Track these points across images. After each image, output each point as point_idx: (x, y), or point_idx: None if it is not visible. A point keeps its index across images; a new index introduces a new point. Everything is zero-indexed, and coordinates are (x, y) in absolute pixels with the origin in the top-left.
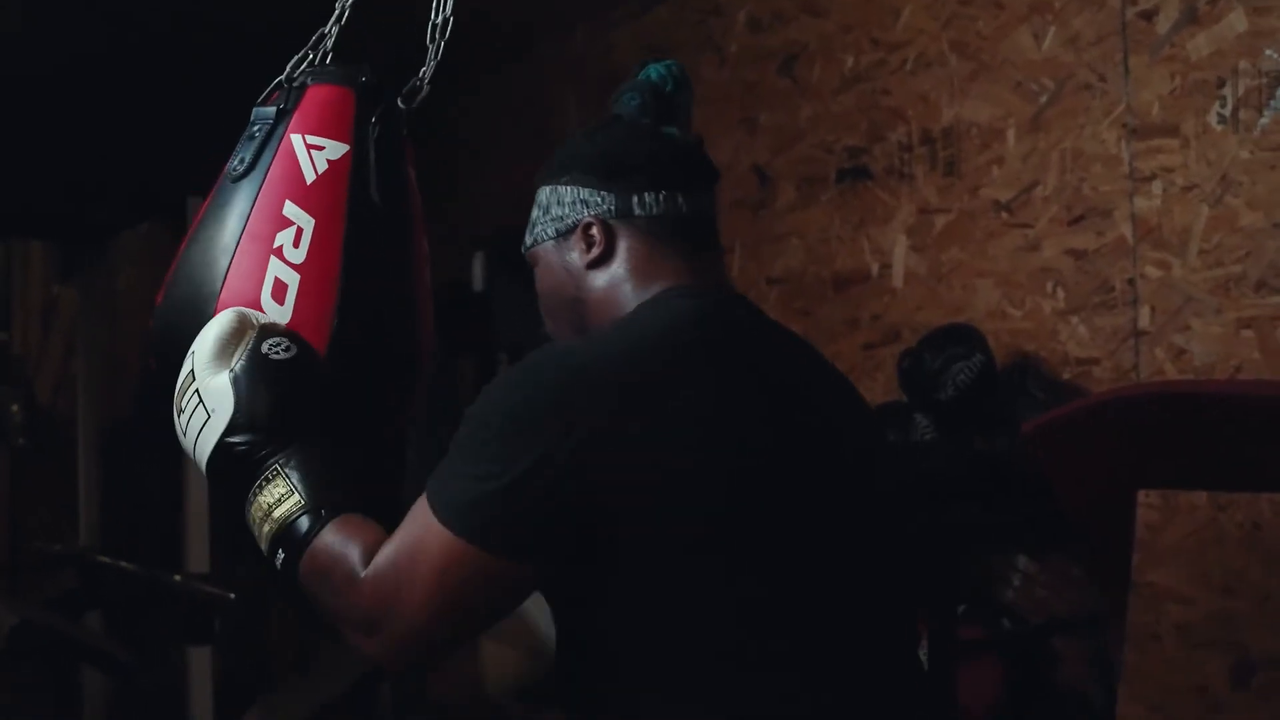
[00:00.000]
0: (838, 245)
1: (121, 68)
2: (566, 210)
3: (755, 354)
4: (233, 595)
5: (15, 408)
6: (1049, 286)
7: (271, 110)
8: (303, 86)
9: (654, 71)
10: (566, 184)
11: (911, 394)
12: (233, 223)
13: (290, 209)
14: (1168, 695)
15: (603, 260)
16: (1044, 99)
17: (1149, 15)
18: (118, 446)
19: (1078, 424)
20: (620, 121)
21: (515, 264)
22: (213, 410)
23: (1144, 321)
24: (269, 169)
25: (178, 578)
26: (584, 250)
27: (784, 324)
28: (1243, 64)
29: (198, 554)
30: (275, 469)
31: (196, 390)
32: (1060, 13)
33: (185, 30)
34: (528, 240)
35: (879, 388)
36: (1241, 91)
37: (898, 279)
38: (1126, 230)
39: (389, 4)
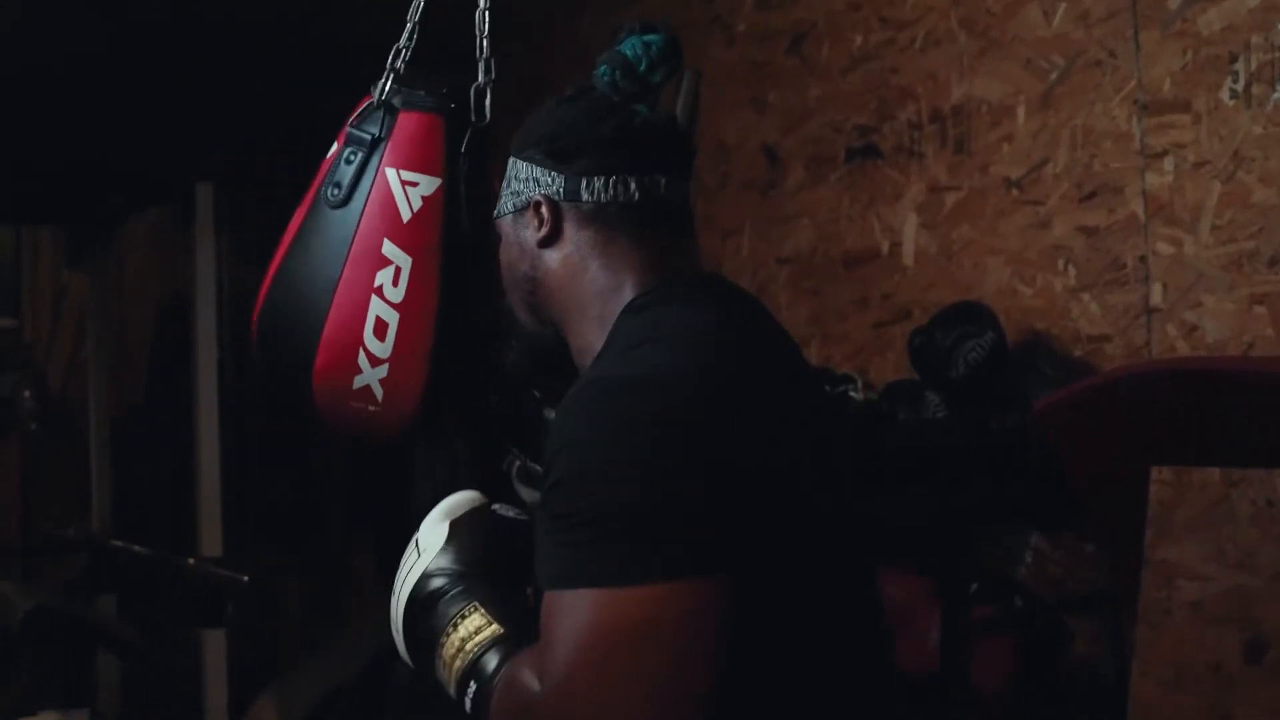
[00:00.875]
0: (847, 224)
1: (130, 55)
2: (522, 186)
3: (759, 344)
4: (245, 579)
5: (27, 394)
6: (1060, 264)
7: (367, 137)
8: (394, 110)
9: (630, 47)
10: (524, 159)
11: (923, 372)
12: (332, 254)
13: (389, 248)
14: (1181, 672)
15: (551, 240)
16: (1054, 76)
17: None
18: (129, 431)
19: (1089, 401)
20: (586, 96)
21: None
22: (423, 549)
23: (1156, 298)
24: (366, 203)
25: (190, 561)
26: (535, 229)
27: (795, 304)
28: (1255, 39)
29: (210, 538)
30: (474, 605)
31: (415, 539)
32: None
33: (193, 17)
34: (495, 210)
35: (890, 366)
36: (1254, 66)
37: (908, 257)
38: (1138, 207)
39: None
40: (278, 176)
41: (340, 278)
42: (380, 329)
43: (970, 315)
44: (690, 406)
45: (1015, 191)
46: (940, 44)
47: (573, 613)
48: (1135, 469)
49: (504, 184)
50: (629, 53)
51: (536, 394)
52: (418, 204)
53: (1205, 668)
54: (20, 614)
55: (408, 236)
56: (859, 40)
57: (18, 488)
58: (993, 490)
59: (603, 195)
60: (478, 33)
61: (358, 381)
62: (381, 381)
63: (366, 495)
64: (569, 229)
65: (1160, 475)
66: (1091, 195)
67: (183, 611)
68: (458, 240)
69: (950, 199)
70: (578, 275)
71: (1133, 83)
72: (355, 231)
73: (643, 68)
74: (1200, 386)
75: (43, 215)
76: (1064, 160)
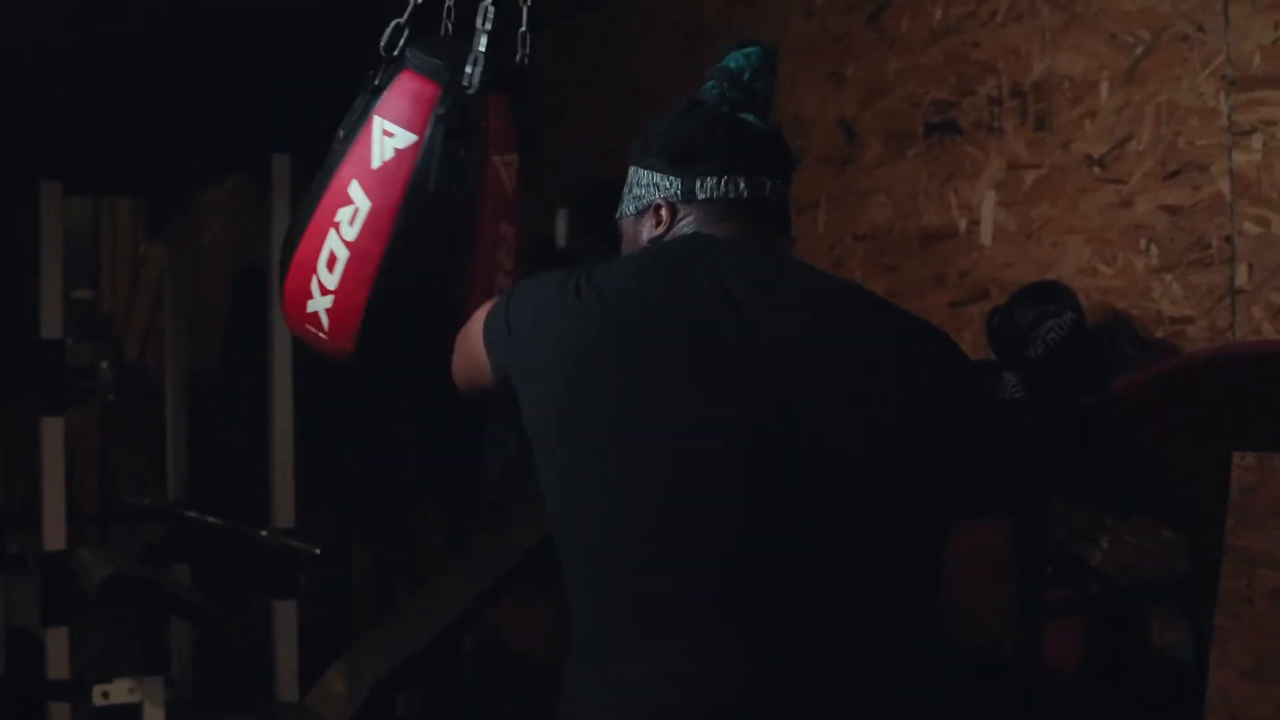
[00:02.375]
0: (925, 201)
1: (206, 26)
2: (643, 191)
3: (710, 285)
4: (318, 550)
5: (104, 364)
6: (1142, 243)
7: (373, 85)
8: (399, 68)
9: (734, 60)
10: (645, 167)
11: (1000, 352)
12: (318, 184)
13: (354, 188)
14: (1260, 660)
15: (668, 235)
16: (1139, 50)
17: None
18: (205, 402)
19: (1171, 384)
20: (698, 108)
21: (598, 219)
22: None
23: (1241, 280)
24: (352, 144)
25: (264, 533)
26: (654, 226)
27: (871, 281)
28: None
29: (283, 509)
30: None
31: None
32: None
33: None
34: (618, 211)
35: (967, 345)
36: None
37: (986, 235)
38: (1224, 185)
39: None
40: None
41: (315, 208)
42: (331, 262)
43: (1049, 295)
44: (570, 294)
45: (1097, 169)
46: (1022, 18)
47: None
48: (1217, 454)
49: (624, 190)
50: (733, 65)
51: None
52: (389, 154)
53: None
54: (97, 581)
55: (373, 182)
56: (939, 13)
57: (96, 457)
58: (1070, 472)
59: (715, 192)
60: (481, 10)
61: (309, 306)
62: (327, 311)
63: (437, 465)
64: (680, 221)
65: (1242, 461)
66: (1176, 173)
67: (255, 581)
68: (420, 198)
69: (1030, 176)
70: (660, 227)
71: (1221, 57)
72: (336, 168)
73: (746, 77)
74: None
75: (122, 187)
76: (1148, 137)
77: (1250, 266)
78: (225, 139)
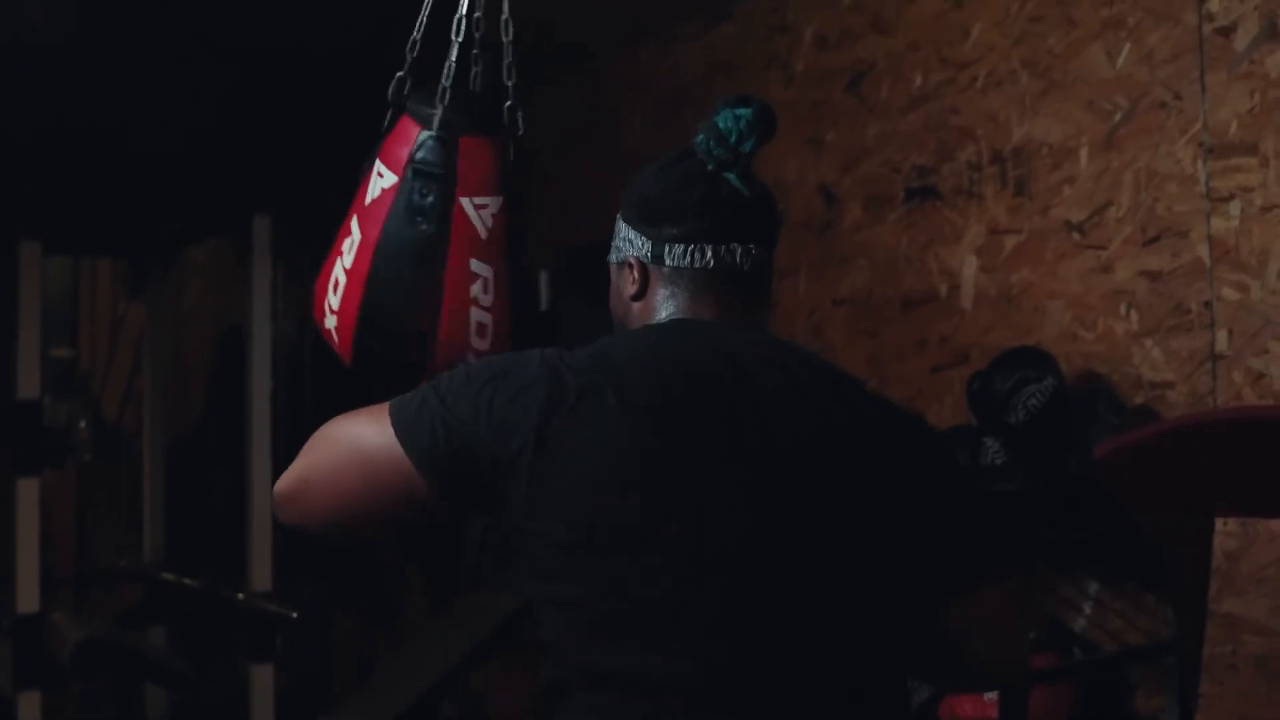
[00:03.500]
0: (905, 266)
1: (187, 88)
2: (622, 244)
3: (706, 373)
4: (295, 614)
5: (82, 423)
6: (1122, 308)
7: (436, 171)
8: (400, 113)
9: (724, 120)
10: (625, 220)
11: (981, 417)
12: (430, 273)
13: (354, 222)
14: None
15: (640, 296)
16: (1117, 117)
17: (1227, 31)
18: (183, 463)
19: (1153, 449)
20: (682, 164)
21: (580, 282)
22: None
23: (1221, 345)
24: (359, 183)
25: (241, 595)
26: (630, 283)
27: (852, 346)
28: None
29: (261, 572)
30: None
31: None
32: (1135, 29)
33: (250, 51)
34: (609, 256)
35: (947, 410)
36: None
37: (967, 300)
38: (1203, 251)
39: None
40: (333, 209)
41: (444, 293)
42: (336, 285)
43: (1030, 360)
44: (557, 384)
45: (1076, 234)
46: (1001, 84)
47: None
48: (1200, 519)
49: (614, 237)
50: (721, 124)
51: None
52: (377, 193)
53: None
54: (72, 644)
55: (365, 217)
56: (918, 80)
57: (72, 517)
58: (1052, 538)
59: (681, 260)
60: (505, 52)
61: (326, 322)
62: (335, 328)
63: (417, 529)
64: (653, 286)
65: (1225, 526)
66: (1155, 239)
67: (232, 644)
68: (393, 232)
69: (1010, 241)
70: (649, 318)
71: (1198, 125)
72: (447, 255)
73: (733, 139)
74: (1267, 435)
75: (101, 247)
76: (1127, 203)
77: (1230, 331)
78: (206, 200)
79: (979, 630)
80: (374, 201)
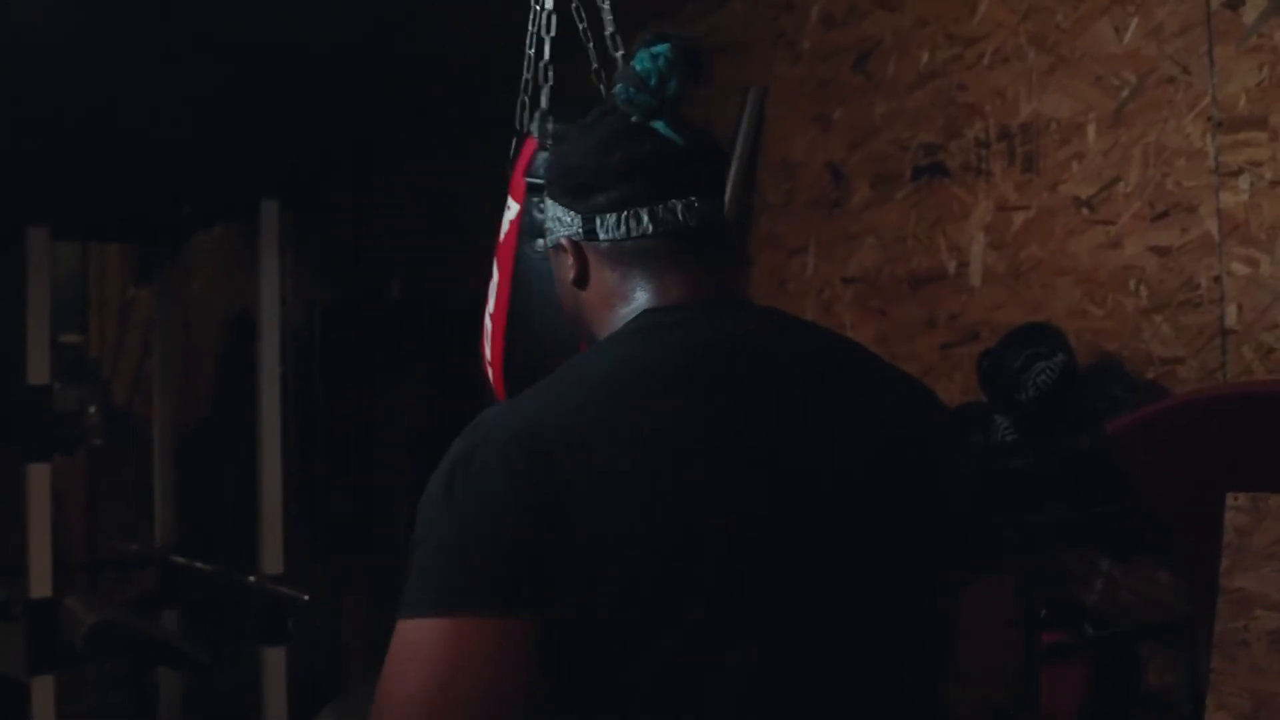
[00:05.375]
0: (914, 244)
1: (197, 75)
2: (552, 225)
3: (719, 384)
4: (307, 596)
5: (92, 409)
6: (1131, 284)
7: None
8: (524, 138)
9: (639, 63)
10: (550, 197)
11: (991, 394)
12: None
13: (494, 264)
14: (1257, 703)
15: (582, 280)
16: (1125, 93)
17: (1235, 5)
18: (193, 447)
19: (1163, 425)
20: (603, 122)
21: None
22: None
23: (1230, 320)
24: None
25: (252, 578)
26: (568, 268)
27: (861, 324)
28: None
29: (272, 555)
30: None
31: None
32: (1143, 4)
33: (259, 39)
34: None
35: (957, 388)
36: None
37: (975, 277)
38: (1212, 226)
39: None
40: (341, 194)
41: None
42: (485, 334)
43: (1040, 336)
44: (533, 458)
45: (1085, 211)
46: (1009, 60)
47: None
48: (1211, 495)
49: (543, 222)
50: (639, 67)
51: None
52: (506, 228)
53: None
54: (85, 628)
55: (500, 257)
56: (926, 57)
57: (83, 503)
58: (1064, 515)
59: (615, 232)
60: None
61: (489, 373)
62: (491, 379)
63: None
64: (594, 269)
65: (1236, 501)
66: (1164, 214)
67: (245, 627)
68: (524, 263)
69: (1019, 218)
70: (603, 311)
71: (1207, 99)
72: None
73: (654, 81)
74: (1277, 410)
75: (110, 233)
76: (1135, 179)
77: (1240, 306)
78: (214, 185)
79: (975, 625)
80: (504, 236)
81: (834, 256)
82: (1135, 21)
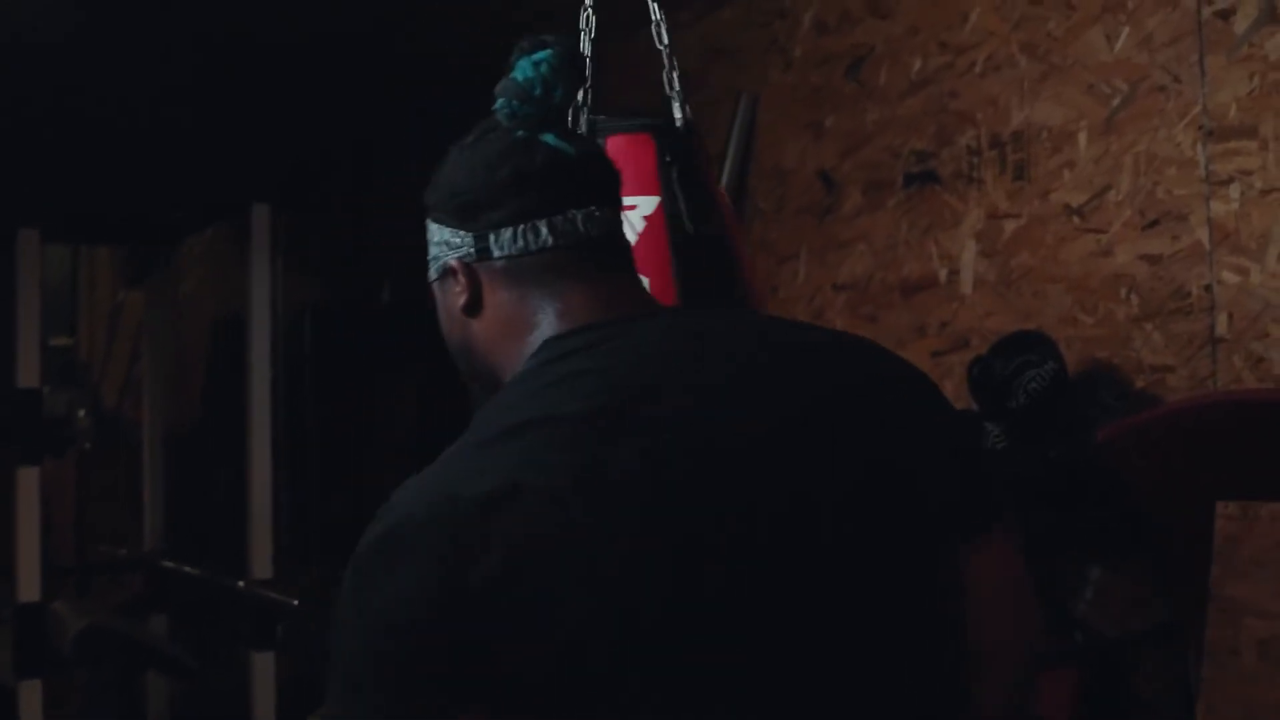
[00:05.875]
0: (905, 251)
1: (188, 76)
2: (437, 250)
3: (643, 417)
4: (296, 601)
5: (81, 412)
6: (1122, 292)
7: None
8: (602, 142)
9: (520, 72)
10: (435, 220)
11: (981, 402)
12: None
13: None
14: (1247, 712)
15: (474, 308)
16: (1117, 101)
17: (1226, 14)
18: (184, 450)
19: (1153, 433)
20: (486, 137)
21: None
22: None
23: (1221, 328)
24: None
25: (242, 583)
26: (458, 293)
27: (852, 331)
28: None
29: (262, 560)
30: None
31: None
32: (1134, 13)
33: (250, 40)
34: (429, 274)
35: (948, 395)
36: None
37: (966, 285)
38: (1203, 235)
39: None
40: (340, 195)
41: None
42: None
43: (1030, 344)
44: (451, 540)
45: (1076, 219)
46: (1000, 69)
47: None
48: (1200, 502)
49: (428, 249)
50: (521, 77)
51: None
52: (640, 225)
53: (1272, 707)
54: (73, 633)
55: (641, 257)
56: (918, 65)
57: (72, 507)
58: (1054, 522)
59: (511, 248)
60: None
61: None
62: None
63: None
64: (488, 292)
65: (1226, 510)
66: (1155, 223)
67: (234, 632)
68: (689, 245)
69: (1010, 226)
70: (503, 341)
71: (1198, 108)
72: None
73: (538, 90)
74: (1267, 419)
75: (100, 235)
76: (1126, 187)
77: (1230, 315)
78: (206, 188)
79: (986, 591)
80: (644, 234)
81: (825, 263)
82: (1126, 30)
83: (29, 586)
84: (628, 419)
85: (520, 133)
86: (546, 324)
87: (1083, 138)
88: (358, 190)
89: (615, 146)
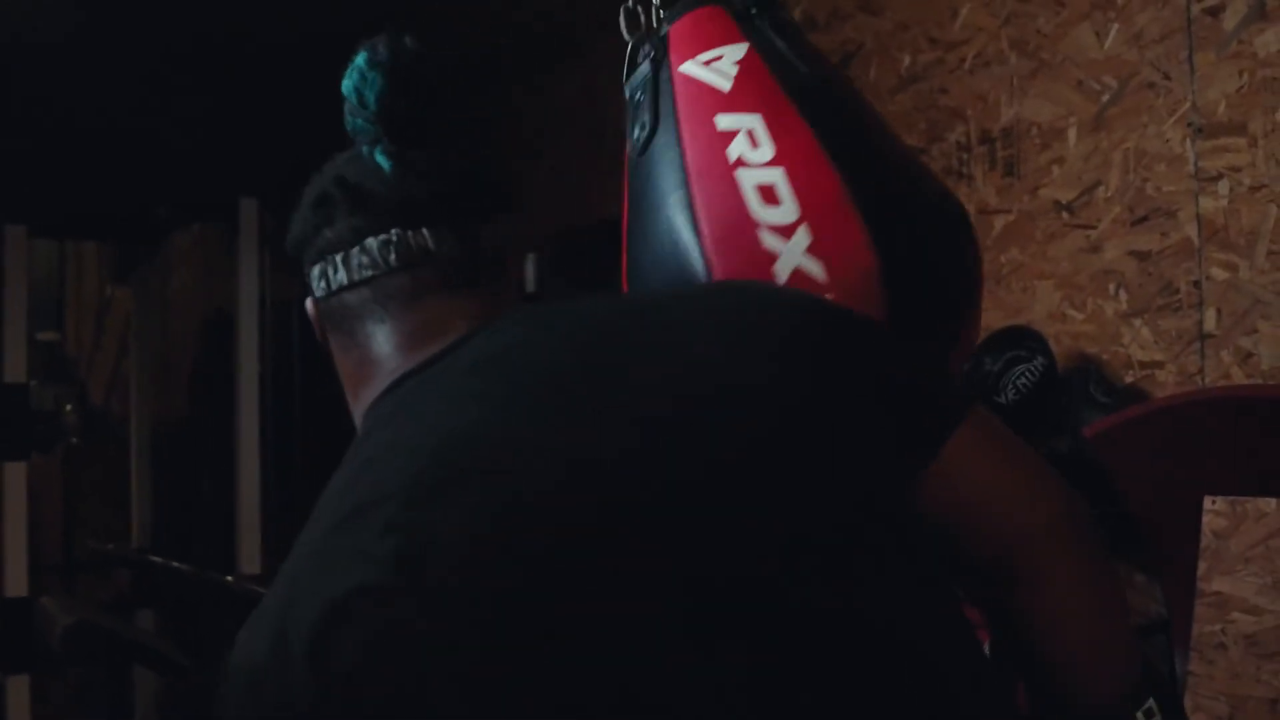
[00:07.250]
0: None
1: (174, 71)
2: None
3: (464, 469)
4: None
5: (68, 408)
6: (1111, 288)
7: (645, 68)
8: (664, 34)
9: (344, 82)
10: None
11: None
12: (670, 180)
13: (725, 121)
14: (1236, 707)
15: (329, 351)
16: (1106, 98)
17: (1215, 11)
18: (171, 446)
19: (1141, 428)
20: (331, 161)
21: (569, 266)
22: None
23: (1210, 324)
24: (677, 110)
25: (229, 579)
26: (321, 340)
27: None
28: None
29: (250, 555)
30: None
31: None
32: (1123, 9)
33: (237, 37)
34: None
35: None
36: None
37: None
38: (1192, 231)
39: None
40: None
41: (690, 189)
42: (768, 193)
43: (1020, 340)
44: (292, 686)
45: (1066, 215)
46: (990, 65)
47: None
48: (1189, 498)
49: None
50: (346, 89)
51: None
52: (734, 71)
53: (1261, 703)
54: (60, 629)
55: (741, 100)
56: (907, 61)
57: (60, 502)
58: None
59: (319, 289)
60: None
61: (782, 270)
62: (810, 250)
63: None
64: (330, 335)
65: (1214, 505)
66: (1144, 219)
67: (222, 628)
68: (807, 83)
69: (999, 222)
70: (350, 393)
71: (1187, 105)
72: (680, 137)
73: (370, 97)
74: (1255, 414)
75: (87, 231)
76: (1116, 183)
77: (1219, 311)
78: (193, 183)
79: (963, 493)
80: (738, 80)
81: None
82: (1116, 27)
83: (16, 582)
84: (448, 481)
85: (364, 149)
86: (367, 379)
87: (1072, 134)
88: None
89: (682, 27)
